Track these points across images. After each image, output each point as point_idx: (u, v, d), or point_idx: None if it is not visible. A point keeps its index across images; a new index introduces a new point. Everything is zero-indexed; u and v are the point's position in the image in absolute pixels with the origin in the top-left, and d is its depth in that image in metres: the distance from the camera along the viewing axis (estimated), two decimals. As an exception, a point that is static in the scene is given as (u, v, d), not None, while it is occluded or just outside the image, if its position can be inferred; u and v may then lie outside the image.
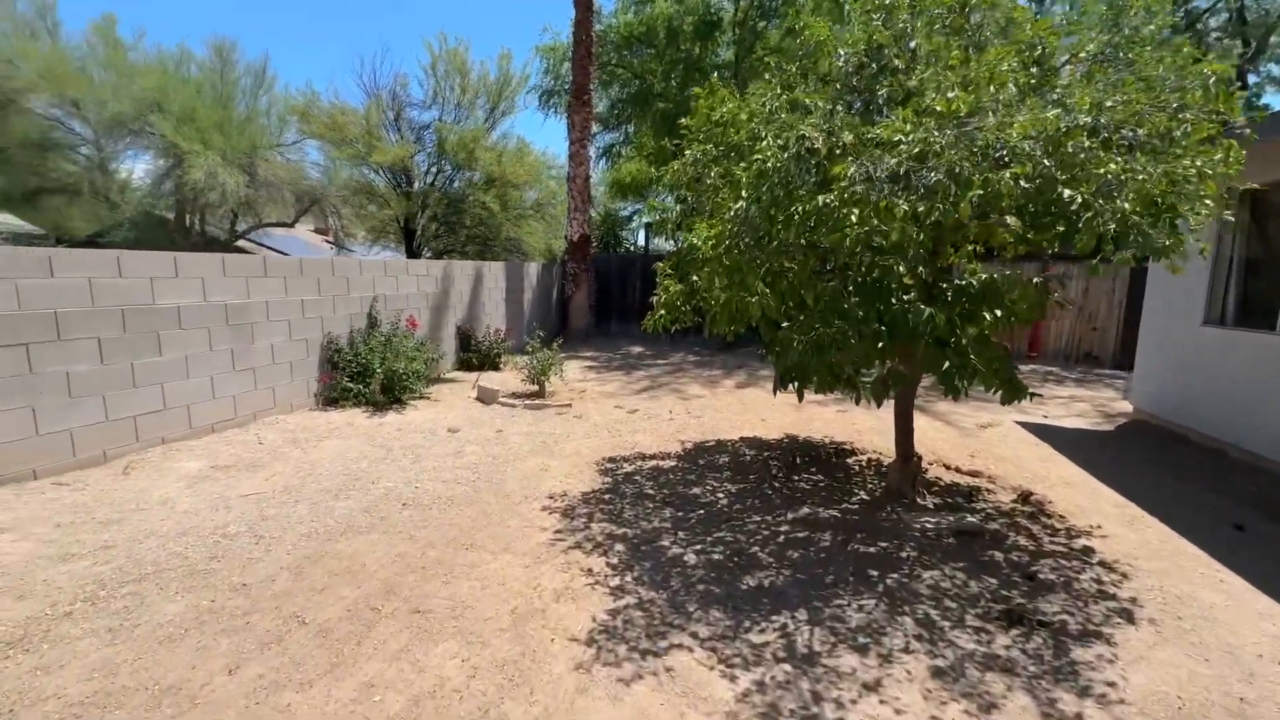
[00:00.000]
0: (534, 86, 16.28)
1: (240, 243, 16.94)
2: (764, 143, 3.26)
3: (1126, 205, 2.65)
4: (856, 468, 5.40)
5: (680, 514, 4.31)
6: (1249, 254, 5.90)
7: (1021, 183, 2.80)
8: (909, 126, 2.87)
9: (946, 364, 3.58)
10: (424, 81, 15.14)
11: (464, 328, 10.03)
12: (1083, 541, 3.94)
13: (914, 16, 3.60)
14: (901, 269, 3.32)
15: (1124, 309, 11.26)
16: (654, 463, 5.47)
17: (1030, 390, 3.81)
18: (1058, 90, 3.24)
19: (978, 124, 2.87)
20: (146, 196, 15.34)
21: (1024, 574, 3.46)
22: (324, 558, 3.54)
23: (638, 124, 17.25)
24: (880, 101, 3.63)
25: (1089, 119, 2.89)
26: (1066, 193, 2.70)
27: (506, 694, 2.44)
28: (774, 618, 3.01)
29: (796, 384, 3.79)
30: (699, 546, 3.79)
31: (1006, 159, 2.95)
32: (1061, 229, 3.29)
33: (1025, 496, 4.69)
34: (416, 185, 15.28)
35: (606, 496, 4.62)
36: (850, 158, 3.01)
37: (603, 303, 14.79)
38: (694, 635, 2.85)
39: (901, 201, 2.66)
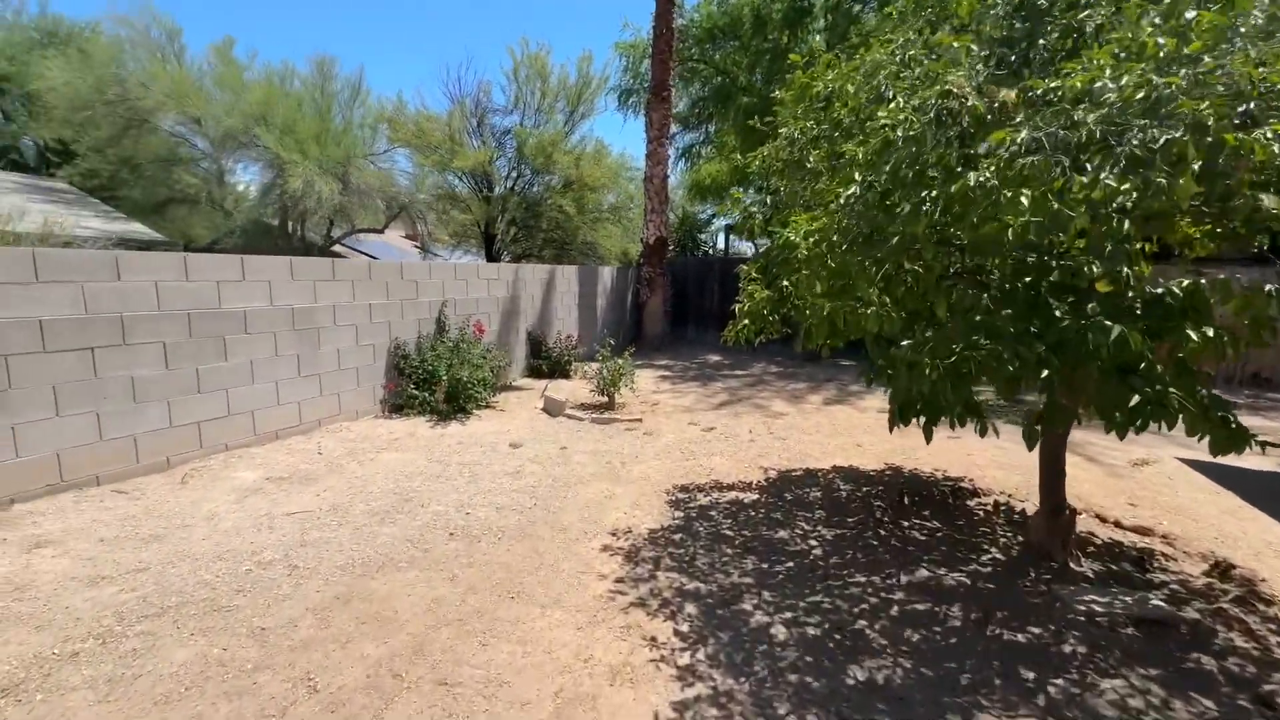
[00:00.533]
0: (613, 87, 15.95)
1: (335, 248, 17.72)
2: (892, 105, 2.50)
3: None
4: (980, 513, 4.44)
5: (765, 565, 3.59)
6: None
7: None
8: (1109, 71, 2.04)
9: (1135, 399, 2.66)
10: (506, 87, 15.18)
11: (534, 333, 9.72)
12: (1329, 646, 2.87)
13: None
14: (1096, 271, 2.45)
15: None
16: (732, 494, 4.77)
17: (1259, 437, 2.80)
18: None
19: (1214, 62, 1.99)
20: (255, 205, 16.35)
21: (1257, 699, 2.48)
22: (355, 599, 3.12)
23: (719, 122, 16.54)
24: (1042, 55, 2.77)
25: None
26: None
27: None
28: (896, 737, 2.26)
29: (924, 419, 2.98)
30: (790, 614, 3.06)
31: (1252, 115, 2.06)
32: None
33: (1223, 569, 3.59)
34: (497, 190, 15.33)
35: (677, 536, 3.97)
36: (1016, 121, 2.22)
37: (679, 308, 14.16)
38: (787, 756, 2.16)
39: (1111, 178, 1.85)
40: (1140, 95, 1.88)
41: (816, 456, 5.78)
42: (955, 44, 2.54)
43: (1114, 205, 2.11)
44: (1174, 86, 1.85)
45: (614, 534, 4.00)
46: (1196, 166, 1.99)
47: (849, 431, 6.72)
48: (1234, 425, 2.77)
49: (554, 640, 2.82)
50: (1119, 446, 6.23)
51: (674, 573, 3.48)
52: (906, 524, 4.19)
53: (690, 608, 3.11)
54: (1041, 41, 2.77)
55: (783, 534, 4.03)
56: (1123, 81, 1.94)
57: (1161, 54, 2.07)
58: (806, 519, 4.29)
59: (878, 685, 2.55)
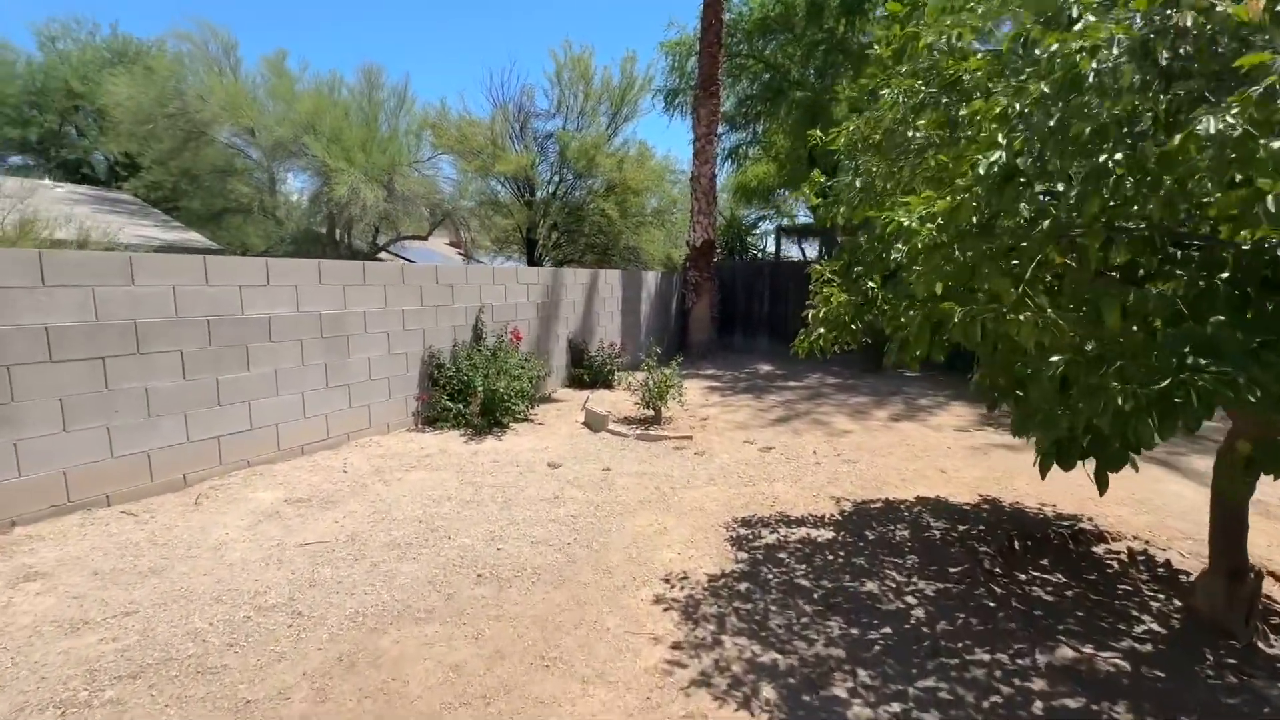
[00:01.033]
0: (658, 88, 15.43)
1: (380, 255, 17.80)
2: (1082, 24, 1.79)
3: None
4: (1113, 564, 3.63)
5: (856, 631, 2.91)
6: None
7: None
8: None
9: None
10: (549, 91, 14.86)
11: (575, 341, 9.22)
12: None
13: None
14: None
15: None
16: (802, 530, 4.09)
17: None
18: None
19: None
20: (305, 214, 16.57)
21: None
22: (361, 662, 2.61)
23: (767, 121, 15.80)
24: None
25: None
26: None
27: None
28: None
29: (1099, 463, 2.26)
30: (899, 706, 2.38)
31: None
32: None
33: None
34: (539, 194, 15.05)
35: (743, 586, 3.33)
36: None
37: (726, 314, 13.46)
38: None
39: None
40: None
41: (895, 485, 5.03)
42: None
43: None
44: None
45: (667, 580, 3.39)
46: None
47: (927, 454, 5.92)
48: None
49: (598, 734, 2.23)
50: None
51: (743, 637, 2.84)
52: (1024, 578, 3.43)
53: (768, 691, 2.47)
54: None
55: (871, 586, 3.34)
56: None
57: None
58: (897, 566, 3.58)
59: (1039, 830, 1.86)
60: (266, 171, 16.24)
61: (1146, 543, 3.90)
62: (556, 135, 14.57)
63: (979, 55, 2.41)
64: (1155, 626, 2.95)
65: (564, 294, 8.85)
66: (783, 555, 3.71)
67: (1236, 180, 1.60)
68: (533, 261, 15.32)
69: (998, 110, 2.03)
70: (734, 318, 13.65)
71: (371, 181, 14.44)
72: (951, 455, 5.89)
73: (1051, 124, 1.85)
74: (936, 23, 2.59)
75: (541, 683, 2.50)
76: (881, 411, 7.90)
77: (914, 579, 3.42)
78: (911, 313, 2.87)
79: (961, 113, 2.46)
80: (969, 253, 2.13)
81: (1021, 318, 2.01)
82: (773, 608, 3.11)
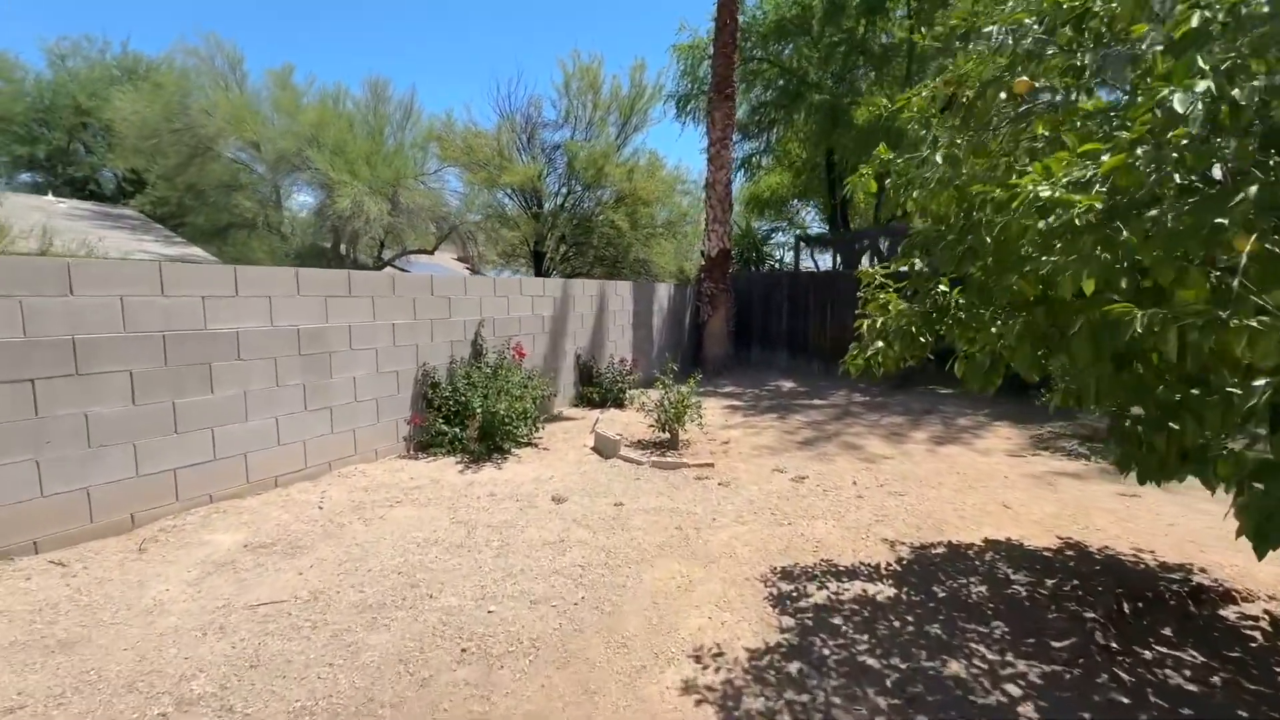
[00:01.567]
0: (670, 94, 14.97)
1: (385, 269, 17.40)
2: None
3: None
4: (1253, 631, 2.91)
5: (949, 739, 2.21)
6: None
7: None
8: None
9: None
10: (557, 101, 14.43)
11: (584, 357, 8.60)
12: None
13: None
14: None
15: None
16: (856, 585, 3.39)
17: None
18: None
19: None
20: (309, 228, 16.25)
21: None
22: (296, 789, 1.95)
23: (782, 129, 15.29)
24: None
25: None
26: None
27: None
28: None
29: None
30: None
31: None
32: None
33: None
34: (546, 206, 14.58)
35: (794, 668, 2.64)
36: None
37: (741, 328, 12.80)
38: None
39: None
40: None
41: (955, 524, 4.32)
42: None
43: None
44: None
45: (698, 657, 2.71)
46: None
47: (982, 484, 5.20)
48: None
49: None
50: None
51: (803, 749, 2.16)
52: (1150, 656, 2.71)
53: (848, 843, 1.78)
54: None
55: (956, 668, 2.64)
56: None
57: None
58: (982, 637, 2.87)
59: None
60: (272, 186, 15.96)
61: (1284, 603, 3.17)
62: (564, 146, 14.13)
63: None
64: (1349, 734, 2.23)
65: (571, 307, 8.25)
66: (837, 621, 3.02)
67: None
68: (540, 274, 14.80)
69: (1192, 25, 1.39)
70: (750, 331, 12.99)
71: (376, 194, 14.07)
72: (1011, 486, 5.16)
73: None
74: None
75: (535, 828, 1.83)
76: (919, 433, 7.18)
77: (1008, 656, 2.72)
78: (997, 326, 2.22)
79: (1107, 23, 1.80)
80: (1144, 233, 1.48)
81: (1254, 323, 1.35)
82: (835, 699, 2.42)
